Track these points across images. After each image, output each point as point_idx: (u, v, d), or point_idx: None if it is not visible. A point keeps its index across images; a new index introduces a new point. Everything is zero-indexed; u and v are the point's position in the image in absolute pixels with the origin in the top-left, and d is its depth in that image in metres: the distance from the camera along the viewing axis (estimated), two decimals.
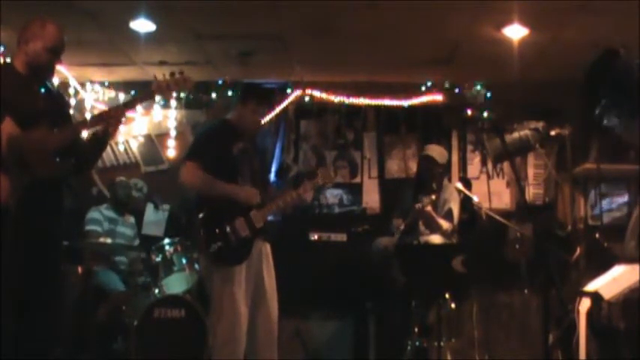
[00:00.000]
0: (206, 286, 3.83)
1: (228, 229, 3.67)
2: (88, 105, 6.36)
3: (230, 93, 6.20)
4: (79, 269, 5.00)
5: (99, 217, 5.45)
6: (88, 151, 3.34)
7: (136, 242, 5.60)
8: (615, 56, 3.36)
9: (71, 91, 6.22)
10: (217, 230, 3.67)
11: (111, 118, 3.19)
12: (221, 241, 3.66)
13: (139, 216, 6.08)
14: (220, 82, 6.28)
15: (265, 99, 4.07)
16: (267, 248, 3.88)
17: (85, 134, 3.39)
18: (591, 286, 3.25)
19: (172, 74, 3.27)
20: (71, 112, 5.74)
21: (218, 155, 3.72)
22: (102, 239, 5.27)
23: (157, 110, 6.43)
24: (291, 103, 6.30)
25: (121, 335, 4.77)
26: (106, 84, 6.43)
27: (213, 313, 3.75)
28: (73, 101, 6.21)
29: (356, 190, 6.39)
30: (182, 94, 6.20)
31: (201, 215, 3.71)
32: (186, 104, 6.42)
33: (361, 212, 6.31)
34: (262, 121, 4.16)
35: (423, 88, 6.20)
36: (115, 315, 4.83)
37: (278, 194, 3.99)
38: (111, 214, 5.53)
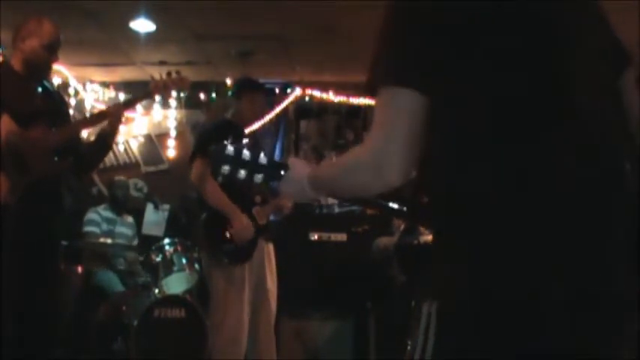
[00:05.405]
0: (208, 284, 3.82)
1: (230, 227, 3.66)
2: (88, 105, 6.36)
3: (229, 93, 6.20)
4: (79, 269, 5.00)
5: (97, 218, 5.43)
6: (92, 151, 3.34)
7: (135, 242, 5.59)
8: None
9: (71, 91, 6.22)
10: (220, 229, 3.65)
11: (111, 116, 3.19)
12: (224, 241, 3.64)
13: (139, 216, 6.08)
14: (228, 81, 6.27)
15: (258, 86, 4.01)
16: (269, 248, 3.86)
17: (85, 134, 3.39)
18: None
19: (169, 74, 3.26)
20: (71, 112, 5.77)
21: None
22: (101, 240, 5.26)
23: (157, 110, 6.43)
24: (291, 103, 6.31)
25: (121, 335, 4.76)
26: (106, 84, 6.44)
27: (215, 312, 3.72)
28: (73, 101, 6.21)
29: None
30: (182, 94, 6.20)
31: (204, 215, 3.70)
32: (186, 104, 6.43)
33: (361, 212, 6.30)
34: (262, 110, 4.12)
35: None
36: (115, 315, 4.82)
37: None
38: (109, 214, 5.51)
